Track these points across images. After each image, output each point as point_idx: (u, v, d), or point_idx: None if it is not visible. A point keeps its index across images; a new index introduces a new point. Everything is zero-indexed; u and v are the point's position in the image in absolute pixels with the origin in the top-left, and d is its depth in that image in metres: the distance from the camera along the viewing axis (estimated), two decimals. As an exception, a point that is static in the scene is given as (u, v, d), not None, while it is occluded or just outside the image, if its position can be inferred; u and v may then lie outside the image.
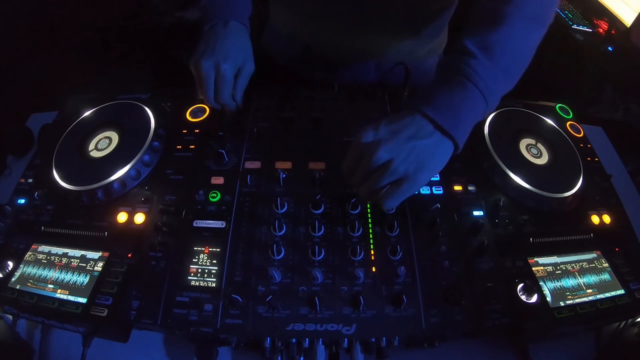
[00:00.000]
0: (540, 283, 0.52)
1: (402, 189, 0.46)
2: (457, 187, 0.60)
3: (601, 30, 1.65)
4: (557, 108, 0.76)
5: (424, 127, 0.47)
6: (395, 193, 0.47)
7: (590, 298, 0.52)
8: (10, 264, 0.52)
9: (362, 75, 0.82)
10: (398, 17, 0.71)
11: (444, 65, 0.52)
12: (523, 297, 0.51)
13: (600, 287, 0.54)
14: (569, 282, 0.53)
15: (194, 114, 0.68)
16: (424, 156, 0.46)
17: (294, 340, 0.50)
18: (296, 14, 0.77)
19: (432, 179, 0.60)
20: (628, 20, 1.54)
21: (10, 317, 0.55)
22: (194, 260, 0.52)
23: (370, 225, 0.56)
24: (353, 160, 0.50)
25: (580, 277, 0.54)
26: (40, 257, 0.53)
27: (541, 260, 0.55)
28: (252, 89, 0.71)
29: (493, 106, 0.50)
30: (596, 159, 0.69)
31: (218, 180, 0.60)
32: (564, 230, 0.58)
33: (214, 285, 0.51)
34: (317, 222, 0.54)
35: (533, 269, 0.54)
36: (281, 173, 0.58)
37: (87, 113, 0.68)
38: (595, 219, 0.60)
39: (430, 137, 0.47)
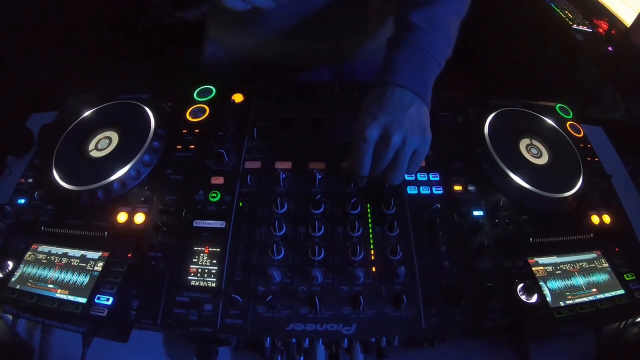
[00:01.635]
0: (540, 283, 0.52)
1: (421, 153, 0.53)
2: (457, 187, 0.60)
3: (601, 30, 1.65)
4: (557, 108, 0.76)
5: (406, 95, 0.53)
6: (417, 160, 0.53)
7: (590, 298, 0.52)
8: (10, 264, 0.52)
9: (321, 77, 0.83)
10: (360, 24, 0.72)
11: (398, 38, 0.57)
12: (523, 297, 0.51)
13: (600, 287, 0.54)
14: (569, 282, 0.53)
15: (194, 114, 0.68)
16: (420, 118, 0.53)
17: (293, 340, 0.50)
18: (248, 31, 0.77)
19: (432, 178, 0.61)
20: (628, 20, 1.54)
21: (10, 317, 0.55)
22: (194, 260, 0.52)
23: (370, 225, 0.56)
24: (365, 158, 0.53)
25: (580, 277, 0.54)
26: (40, 257, 0.53)
27: (541, 260, 0.55)
28: (253, 89, 0.71)
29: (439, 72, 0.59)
30: (596, 159, 0.69)
31: (218, 180, 0.60)
32: (564, 230, 0.58)
33: (214, 285, 0.51)
34: (317, 222, 0.54)
35: (533, 269, 0.54)
36: (281, 173, 0.58)
37: (87, 113, 0.68)
38: (595, 219, 0.60)
39: (415, 102, 0.53)
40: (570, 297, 0.52)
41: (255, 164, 0.61)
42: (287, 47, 0.77)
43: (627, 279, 0.55)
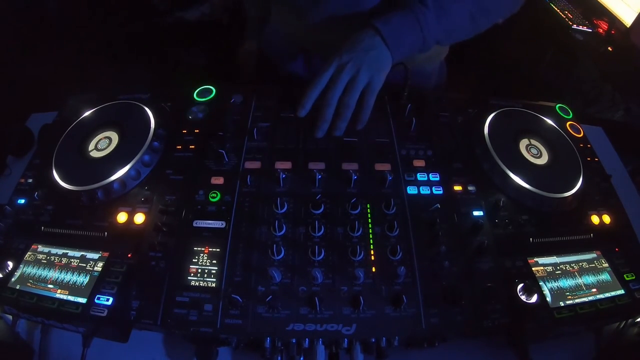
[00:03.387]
0: (540, 283, 0.52)
1: (372, 89, 0.62)
2: (457, 187, 0.60)
3: (601, 30, 1.65)
4: (557, 108, 0.76)
5: (376, 40, 0.61)
6: (368, 100, 0.62)
7: (590, 298, 0.52)
8: (10, 264, 0.52)
9: None
10: None
11: (405, 3, 0.63)
12: (523, 297, 0.51)
13: (600, 287, 0.54)
14: (569, 282, 0.53)
15: (194, 114, 0.68)
16: (379, 62, 0.61)
17: (293, 341, 0.50)
18: (293, 13, 0.77)
19: (432, 178, 0.61)
20: (628, 20, 1.54)
21: (10, 317, 0.55)
22: (193, 260, 0.52)
23: (370, 225, 0.56)
24: (319, 80, 0.62)
25: (580, 277, 0.54)
26: (40, 257, 0.53)
27: (541, 260, 0.55)
28: (253, 89, 0.71)
29: (426, 49, 0.65)
30: (596, 159, 0.69)
31: (218, 180, 0.60)
32: (564, 230, 0.58)
33: (213, 285, 0.51)
34: (317, 222, 0.54)
35: (533, 269, 0.54)
36: (281, 173, 0.58)
37: (87, 113, 0.68)
38: (595, 219, 0.60)
39: (380, 48, 0.61)
40: (570, 297, 0.52)
41: (255, 164, 0.61)
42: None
43: (627, 279, 0.55)
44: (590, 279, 0.54)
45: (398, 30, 0.61)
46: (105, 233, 0.55)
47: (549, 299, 0.51)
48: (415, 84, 0.71)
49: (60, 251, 0.53)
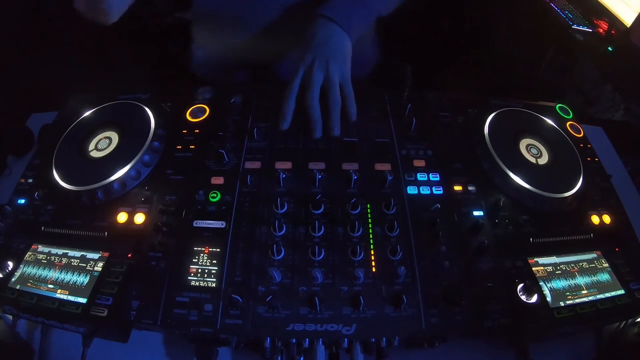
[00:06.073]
0: (540, 283, 0.52)
1: (346, 80, 0.63)
2: (457, 187, 0.60)
3: (601, 30, 1.65)
4: (557, 108, 0.76)
5: (330, 26, 0.62)
6: (348, 91, 0.63)
7: (590, 298, 0.52)
8: (10, 264, 0.52)
9: None
10: None
11: None
12: (523, 297, 0.51)
13: (600, 287, 0.54)
14: (569, 282, 0.53)
15: (194, 114, 0.68)
16: (341, 49, 0.62)
17: (293, 341, 0.50)
18: (227, 29, 0.78)
19: (432, 178, 0.61)
20: (628, 20, 1.54)
21: (10, 317, 0.55)
22: (194, 260, 0.52)
23: (370, 225, 0.56)
24: (290, 96, 0.62)
25: (580, 277, 0.54)
26: (40, 257, 0.53)
27: (541, 260, 0.55)
28: (253, 89, 0.71)
29: (373, 18, 0.69)
30: (596, 159, 0.69)
31: (218, 180, 0.60)
32: (564, 230, 0.58)
33: (214, 285, 0.51)
34: (317, 222, 0.54)
35: (533, 269, 0.54)
36: (281, 173, 0.58)
37: (87, 113, 0.68)
38: (595, 219, 0.60)
39: (335, 32, 0.62)
40: (570, 297, 0.52)
41: (255, 164, 0.61)
42: (270, 45, 0.79)
43: (627, 279, 0.55)
44: (590, 279, 0.54)
45: (344, 8, 0.63)
46: (106, 233, 0.55)
47: (549, 299, 0.51)
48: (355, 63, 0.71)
49: (60, 251, 0.54)
